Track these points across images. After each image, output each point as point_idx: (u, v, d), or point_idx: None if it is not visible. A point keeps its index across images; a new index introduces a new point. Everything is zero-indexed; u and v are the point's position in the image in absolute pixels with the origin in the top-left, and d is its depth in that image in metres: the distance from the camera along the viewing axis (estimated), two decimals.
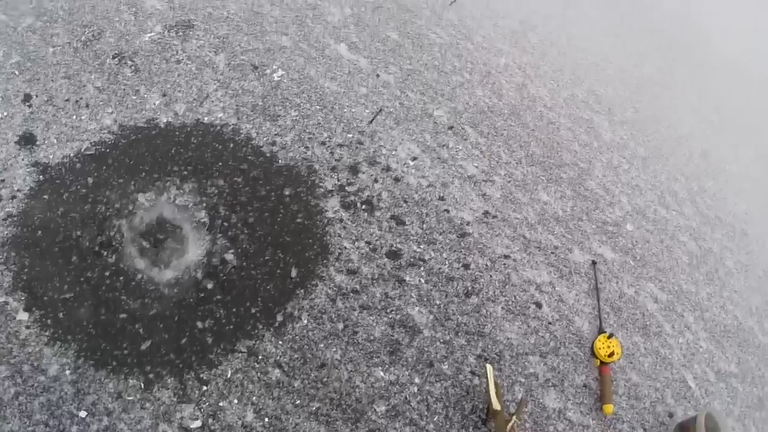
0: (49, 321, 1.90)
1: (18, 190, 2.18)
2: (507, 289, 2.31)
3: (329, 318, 2.04)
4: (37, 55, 2.58)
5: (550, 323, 2.25)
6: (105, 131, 2.35)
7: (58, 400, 1.83)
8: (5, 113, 2.37)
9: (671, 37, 5.07)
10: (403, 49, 3.08)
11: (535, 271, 2.39)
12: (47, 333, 1.90)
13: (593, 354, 2.24)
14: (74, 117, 2.39)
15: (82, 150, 2.28)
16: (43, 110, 2.39)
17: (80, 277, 1.98)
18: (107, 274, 1.98)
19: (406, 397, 2.01)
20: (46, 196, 2.16)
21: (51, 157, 2.25)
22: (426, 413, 2.00)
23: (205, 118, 2.43)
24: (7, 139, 2.29)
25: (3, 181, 2.19)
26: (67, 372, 1.87)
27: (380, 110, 2.52)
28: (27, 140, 2.30)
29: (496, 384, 2.01)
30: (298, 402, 1.92)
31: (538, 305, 2.29)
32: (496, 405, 1.97)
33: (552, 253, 2.48)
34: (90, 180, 2.20)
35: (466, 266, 2.30)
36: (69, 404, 1.82)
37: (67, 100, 2.43)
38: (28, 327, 1.92)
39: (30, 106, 2.40)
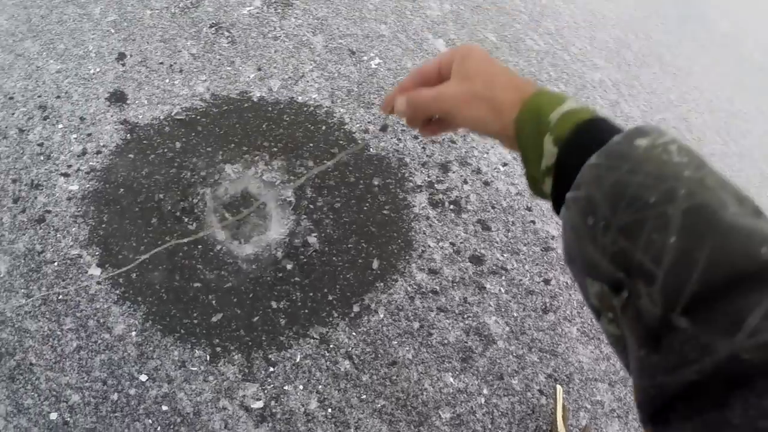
0: (121, 280, 1.83)
1: (104, 146, 2.13)
2: (584, 311, 2.14)
3: (405, 316, 1.91)
4: (134, 16, 2.53)
5: None
6: (197, 98, 2.27)
7: (120, 361, 1.75)
8: (98, 69, 2.33)
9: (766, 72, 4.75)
10: (500, 52, 2.93)
11: None
12: (118, 291, 1.83)
13: None
14: (167, 81, 2.33)
15: (173, 114, 2.21)
16: (136, 70, 2.34)
17: (158, 240, 1.90)
18: (186, 240, 1.89)
19: (472, 408, 1.87)
20: (131, 155, 2.09)
21: (140, 117, 2.19)
22: (490, 426, 1.86)
23: (299, 98, 2.34)
24: (98, 94, 2.24)
25: (90, 135, 2.14)
26: (133, 333, 1.80)
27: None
28: (117, 98, 2.24)
29: (563, 407, 1.88)
30: (363, 397, 1.80)
31: None
32: (561, 429, 1.85)
33: None
34: (178, 144, 2.13)
35: (547, 281, 2.14)
36: (130, 366, 1.75)
37: (161, 63, 2.36)
38: (99, 283, 1.86)
39: (123, 65, 2.35)
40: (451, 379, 1.90)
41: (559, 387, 1.91)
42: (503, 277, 2.09)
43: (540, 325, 2.08)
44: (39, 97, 2.24)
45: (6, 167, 2.08)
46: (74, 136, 2.17)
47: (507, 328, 2.02)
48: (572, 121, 0.46)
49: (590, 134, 0.45)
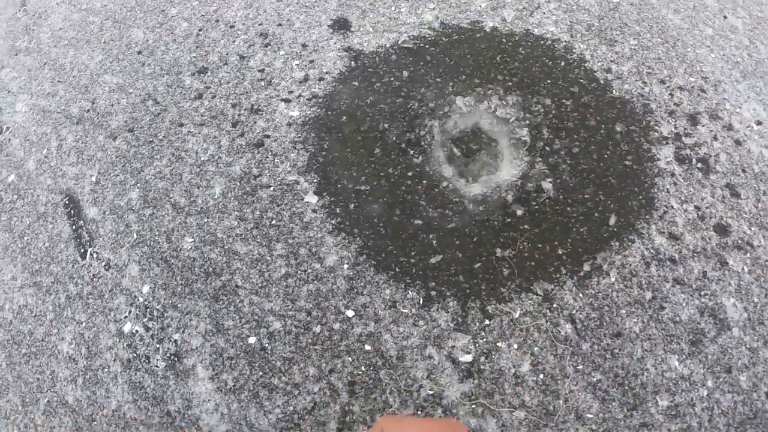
0: (337, 209, 1.60)
1: (327, 73, 1.88)
2: None
3: (638, 283, 1.55)
4: None
5: None
6: (425, 26, 1.95)
7: (328, 293, 1.55)
8: None
9: None
10: None
11: None
12: (333, 221, 1.61)
13: None
14: (393, 8, 2.02)
15: (399, 42, 1.91)
16: None
17: (380, 172, 1.65)
18: (410, 174, 1.63)
19: (692, 399, 1.54)
20: (355, 83, 1.83)
21: (365, 45, 1.92)
22: (707, 424, 1.55)
23: (536, 30, 1.95)
24: (320, 21, 1.99)
25: (312, 62, 1.90)
26: (345, 266, 1.58)
27: None
28: (341, 25, 1.97)
29: None
30: (580, 367, 1.50)
31: None
32: None
33: None
34: (405, 73, 1.83)
35: None
36: (338, 299, 1.54)
37: None
38: (314, 211, 1.65)
39: None
40: (677, 363, 1.57)
41: None
42: (748, 255, 1.67)
43: None
44: (260, 24, 2.03)
45: (226, 92, 1.91)
46: (296, 62, 1.95)
47: (745, 315, 1.62)
48: None
49: None
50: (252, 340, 1.64)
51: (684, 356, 1.60)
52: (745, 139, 1.88)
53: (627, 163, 1.72)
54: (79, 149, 1.94)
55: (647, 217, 1.68)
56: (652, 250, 1.66)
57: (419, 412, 1.48)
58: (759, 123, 1.93)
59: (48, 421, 1.68)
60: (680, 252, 1.67)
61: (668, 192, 1.72)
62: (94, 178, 1.90)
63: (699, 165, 1.77)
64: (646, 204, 1.69)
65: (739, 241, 1.73)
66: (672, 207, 1.71)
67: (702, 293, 1.65)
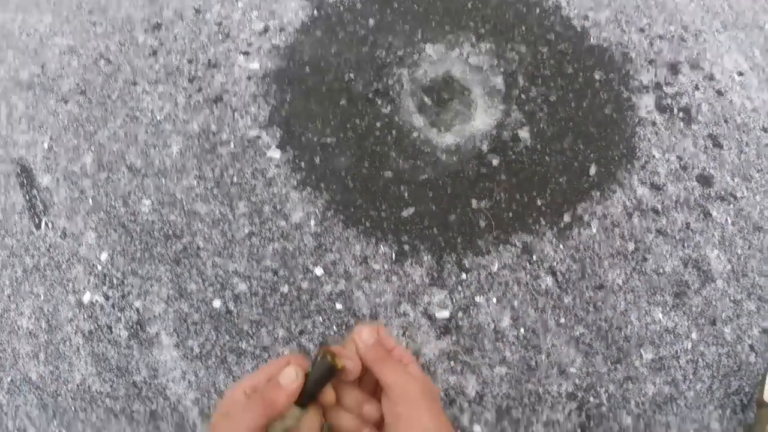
0: (302, 164, 1.48)
1: (288, 23, 1.77)
2: None
3: (621, 234, 1.47)
4: None
5: None
6: None
7: (295, 251, 1.44)
8: None
9: None
10: None
11: None
12: (298, 176, 1.50)
13: None
14: None
15: None
16: None
17: (346, 123, 1.54)
18: (378, 125, 1.52)
19: (676, 352, 1.46)
20: (318, 33, 1.72)
21: None
22: (691, 377, 1.48)
23: None
24: None
25: (273, 12, 1.79)
26: (312, 223, 1.47)
27: None
28: None
29: None
30: (562, 321, 1.41)
31: None
32: (767, 396, 1.44)
33: None
34: (371, 22, 1.72)
35: None
36: (306, 258, 1.43)
37: None
38: (278, 166, 1.54)
39: None
40: (661, 316, 1.49)
41: None
42: (731, 206, 1.59)
43: (763, 270, 1.63)
44: None
45: (181, 48, 1.80)
46: (255, 13, 1.83)
47: (728, 266, 1.54)
48: None
49: None
50: (217, 303, 1.53)
51: (668, 308, 1.52)
52: (726, 90, 1.79)
53: (607, 112, 1.62)
54: (30, 116, 1.81)
55: (629, 167, 1.59)
56: (634, 201, 1.57)
57: None
58: (740, 74, 1.85)
59: (12, 399, 1.57)
60: (663, 203, 1.59)
61: (650, 141, 1.63)
62: (46, 145, 1.78)
63: (680, 115, 1.68)
64: (627, 154, 1.60)
65: (722, 192, 1.65)
66: (654, 157, 1.62)
67: (685, 245, 1.57)
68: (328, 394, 0.54)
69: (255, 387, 0.52)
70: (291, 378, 0.51)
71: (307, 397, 0.53)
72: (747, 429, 1.50)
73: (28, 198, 1.73)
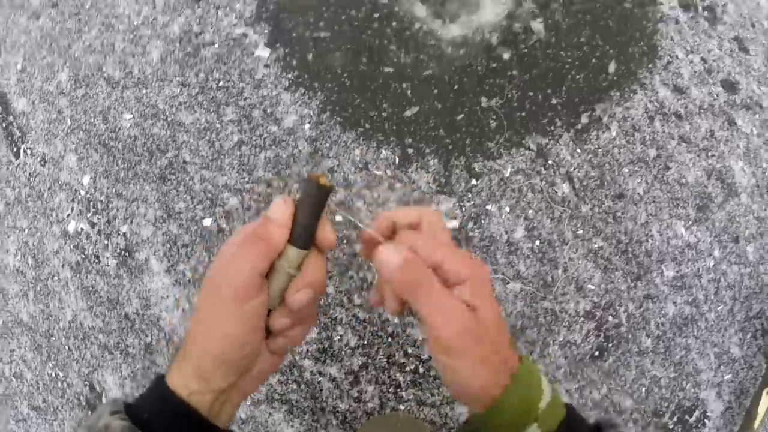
0: (294, 62, 1.30)
1: None
2: None
3: (642, 139, 1.31)
4: None
5: None
6: None
7: (289, 159, 1.27)
8: None
9: None
10: None
11: None
12: (289, 76, 1.31)
13: None
14: None
15: None
16: None
17: (341, 15, 1.36)
18: (376, 16, 1.34)
19: (698, 270, 1.31)
20: None
21: None
22: (713, 297, 1.33)
23: None
24: None
25: None
26: (306, 126, 1.28)
27: None
28: None
29: None
30: (580, 232, 1.25)
31: None
32: None
33: None
34: None
35: None
36: (301, 165, 1.27)
37: None
38: (267, 66, 1.36)
39: None
40: (683, 230, 1.34)
41: None
42: (757, 115, 1.44)
43: None
44: None
45: None
46: None
47: (753, 180, 1.40)
48: (558, 415, 0.42)
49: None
50: (207, 221, 1.37)
51: (690, 222, 1.38)
52: None
53: (627, 5, 1.45)
54: (1, 37, 1.61)
55: (650, 66, 1.43)
56: (656, 103, 1.41)
57: None
58: None
59: (6, 344, 1.43)
60: (686, 107, 1.43)
61: (672, 40, 1.47)
62: (19, 66, 1.59)
63: (705, 14, 1.52)
64: (648, 52, 1.44)
65: (748, 101, 1.50)
66: (677, 57, 1.46)
67: (709, 154, 1.43)
68: (328, 234, 0.47)
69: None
70: (280, 209, 0.45)
71: (303, 233, 0.46)
72: (766, 355, 1.38)
73: (4, 126, 1.55)
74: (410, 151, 1.33)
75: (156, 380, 0.44)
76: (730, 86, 1.50)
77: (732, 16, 1.57)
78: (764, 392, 1.34)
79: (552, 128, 1.35)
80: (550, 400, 0.43)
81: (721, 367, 1.40)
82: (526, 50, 1.38)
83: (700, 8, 1.54)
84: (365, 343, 1.32)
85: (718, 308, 1.42)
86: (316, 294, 0.47)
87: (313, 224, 0.47)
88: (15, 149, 1.57)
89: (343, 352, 1.32)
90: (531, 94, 1.35)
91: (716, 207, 1.43)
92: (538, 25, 1.38)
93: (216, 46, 1.49)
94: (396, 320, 1.32)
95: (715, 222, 1.43)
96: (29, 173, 1.55)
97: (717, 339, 1.41)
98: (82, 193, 1.49)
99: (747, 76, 1.53)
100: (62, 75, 1.59)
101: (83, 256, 1.46)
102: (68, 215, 1.50)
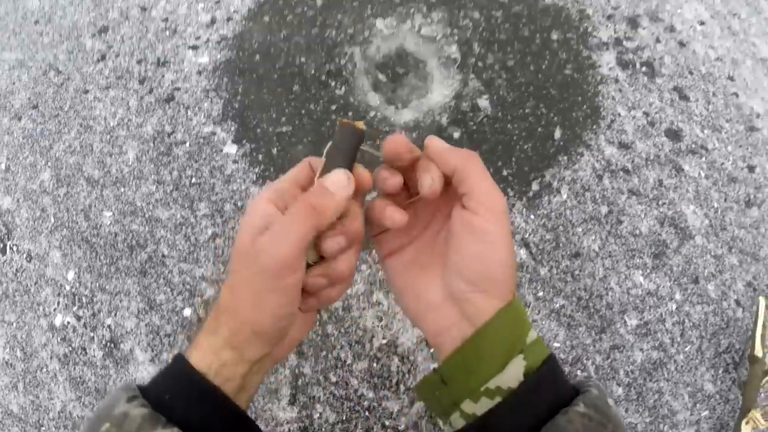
0: (260, 156, 1.39)
1: (234, 11, 1.67)
2: None
3: (592, 198, 1.38)
4: None
5: None
6: None
7: None
8: None
9: None
10: None
11: None
12: (257, 170, 1.41)
13: None
14: None
15: None
16: None
17: (301, 110, 1.44)
18: (333, 108, 1.43)
19: (661, 315, 1.39)
20: (266, 18, 1.62)
21: None
22: (679, 339, 1.44)
23: None
24: None
25: (218, 2, 1.68)
26: None
27: None
28: None
29: (764, 325, 1.41)
30: (540, 294, 1.33)
31: None
32: (759, 351, 1.39)
33: None
34: (319, 1, 1.62)
35: (751, 168, 1.56)
36: None
37: None
38: (235, 161, 1.45)
39: None
40: (641, 279, 1.41)
41: (762, 300, 1.42)
42: (703, 159, 1.52)
43: (742, 221, 1.55)
44: None
45: (130, 49, 1.70)
46: (201, 5, 1.74)
47: (706, 221, 1.47)
48: (542, 353, 0.42)
49: (552, 374, 0.42)
50: (187, 312, 1.44)
51: (648, 270, 1.45)
52: (689, 40, 1.72)
53: (567, 73, 1.53)
54: None
55: (594, 127, 1.51)
56: (603, 162, 1.49)
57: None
58: (702, 23, 1.77)
59: None
60: (633, 161, 1.51)
61: (614, 99, 1.55)
62: (3, 165, 1.68)
63: (643, 69, 1.60)
64: (591, 114, 1.51)
65: (693, 146, 1.58)
66: (619, 115, 1.54)
67: (660, 203, 1.50)
68: (364, 176, 0.46)
69: (282, 194, 0.45)
70: (342, 184, 0.43)
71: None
72: (741, 386, 1.43)
73: None
74: (370, 244, 1.41)
75: (176, 359, 0.42)
76: (674, 135, 1.57)
77: (670, 67, 1.65)
78: (743, 423, 1.39)
79: (505, 198, 1.43)
80: (536, 338, 0.43)
81: (697, 405, 1.46)
82: (475, 127, 1.46)
83: (638, 64, 1.62)
84: (344, 418, 1.39)
85: (686, 349, 1.48)
86: (351, 243, 0.45)
87: (349, 166, 0.46)
88: (1, 246, 1.66)
89: (323, 429, 1.39)
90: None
91: (672, 252, 1.50)
92: (484, 102, 1.47)
93: (187, 144, 1.58)
94: (371, 395, 1.39)
95: (673, 267, 1.49)
96: (16, 269, 1.63)
97: (689, 378, 1.47)
98: (68, 287, 1.57)
99: (690, 123, 1.61)
100: (44, 174, 1.68)
101: (70, 348, 1.53)
102: (55, 309, 1.57)
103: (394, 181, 0.46)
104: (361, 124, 0.46)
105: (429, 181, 0.44)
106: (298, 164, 0.49)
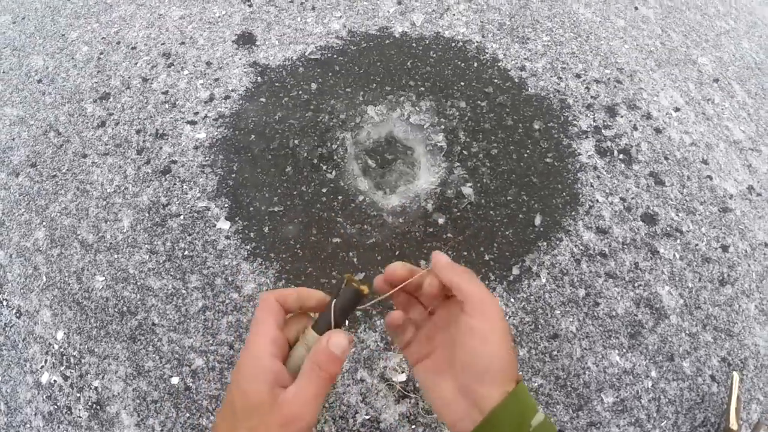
0: (252, 234, 1.46)
1: (232, 90, 1.75)
2: (764, 286, 1.70)
3: (570, 281, 1.45)
4: None
5: None
6: (332, 36, 1.84)
7: (248, 323, 1.39)
8: (224, 12, 1.95)
9: None
10: None
11: None
12: (248, 247, 1.48)
13: None
14: (299, 19, 1.91)
15: (307, 53, 1.79)
16: (264, 11, 1.93)
17: (293, 191, 1.52)
18: (324, 191, 1.50)
19: (638, 392, 1.44)
20: (263, 99, 1.70)
21: (271, 58, 1.79)
22: (655, 415, 1.47)
23: (446, 32, 1.85)
24: (224, 37, 1.86)
25: (217, 80, 1.77)
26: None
27: None
28: (246, 40, 1.85)
29: (738, 399, 1.47)
30: (520, 373, 1.35)
31: None
32: (734, 424, 1.44)
33: None
34: (314, 86, 1.71)
35: (725, 248, 1.62)
36: None
37: (290, 2, 1.95)
38: (227, 237, 1.52)
39: (251, 5, 1.97)
40: (618, 358, 1.47)
41: (736, 375, 1.49)
42: (678, 241, 1.58)
43: (716, 300, 1.60)
44: (162, 44, 1.89)
45: (129, 118, 1.77)
46: (200, 81, 1.81)
47: (681, 301, 1.54)
48: None
49: None
50: (175, 380, 1.48)
51: (624, 350, 1.50)
52: (664, 127, 1.80)
53: (548, 161, 1.61)
54: None
55: (573, 213, 1.58)
56: (581, 247, 1.55)
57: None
58: (677, 109, 1.86)
59: None
60: (610, 245, 1.58)
61: (592, 186, 1.62)
62: None
63: (621, 156, 1.68)
64: (570, 200, 1.59)
65: (668, 229, 1.64)
66: (597, 201, 1.61)
67: (636, 284, 1.56)
68: (341, 340, 0.52)
69: (282, 346, 0.52)
70: (344, 347, 0.50)
71: (327, 327, 0.52)
72: None
73: None
74: (358, 313, 1.48)
75: None
76: (650, 219, 1.64)
77: (646, 154, 1.73)
78: None
79: (486, 282, 1.49)
80: (543, 420, 0.48)
81: None
82: (459, 213, 1.54)
83: (615, 152, 1.70)
84: None
85: (662, 424, 1.52)
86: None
87: (344, 321, 0.52)
88: None
89: None
90: (465, 253, 1.50)
91: (648, 332, 1.55)
92: (468, 189, 1.55)
93: (181, 217, 1.65)
94: None
95: (649, 345, 1.55)
96: (4, 323, 1.65)
97: None
98: (56, 347, 1.60)
99: (665, 206, 1.68)
100: (39, 233, 1.73)
101: (56, 406, 1.54)
102: (42, 367, 1.59)
103: (397, 315, 0.59)
104: (365, 289, 0.52)
105: (428, 282, 0.55)
106: (288, 292, 0.56)
